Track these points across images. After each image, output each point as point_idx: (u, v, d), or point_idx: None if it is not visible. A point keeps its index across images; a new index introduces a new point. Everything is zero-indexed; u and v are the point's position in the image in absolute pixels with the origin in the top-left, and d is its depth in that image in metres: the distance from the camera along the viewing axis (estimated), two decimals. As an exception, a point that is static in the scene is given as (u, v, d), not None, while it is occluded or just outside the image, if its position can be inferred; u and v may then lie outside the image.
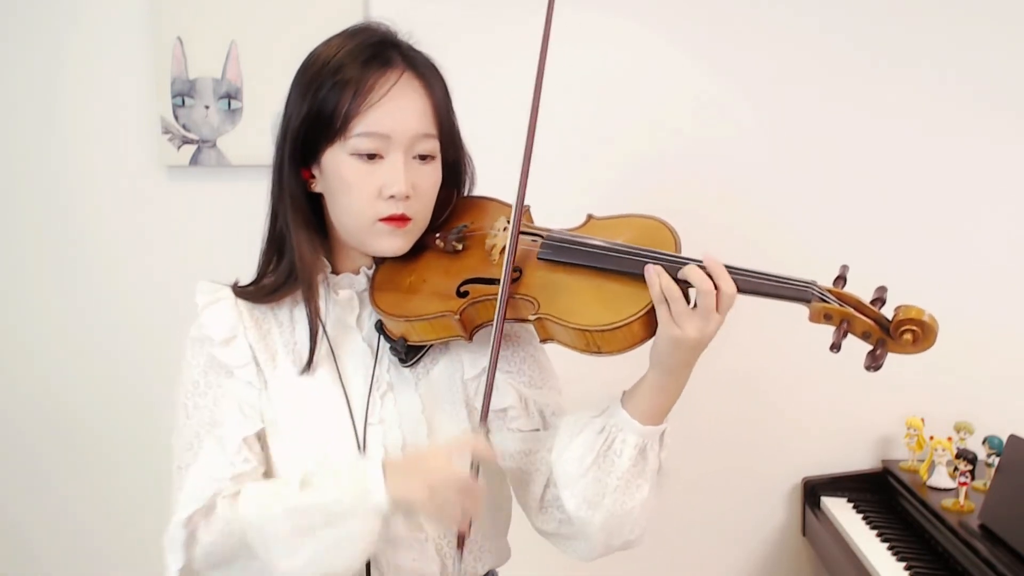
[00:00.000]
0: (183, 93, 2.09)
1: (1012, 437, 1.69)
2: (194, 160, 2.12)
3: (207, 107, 2.09)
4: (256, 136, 2.08)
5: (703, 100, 2.04)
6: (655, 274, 0.97)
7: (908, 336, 0.94)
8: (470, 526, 1.01)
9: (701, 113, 2.04)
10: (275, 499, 1.00)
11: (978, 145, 2.02)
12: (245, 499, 1.01)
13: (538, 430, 1.11)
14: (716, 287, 0.95)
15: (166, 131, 2.11)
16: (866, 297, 0.98)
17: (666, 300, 0.96)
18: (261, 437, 1.10)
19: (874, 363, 0.94)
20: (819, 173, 2.05)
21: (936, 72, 2.01)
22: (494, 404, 1.10)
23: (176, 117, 2.10)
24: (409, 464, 1.00)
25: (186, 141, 2.11)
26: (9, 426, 2.28)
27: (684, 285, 0.97)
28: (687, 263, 0.98)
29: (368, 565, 1.08)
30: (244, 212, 2.08)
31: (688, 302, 0.97)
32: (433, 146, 1.08)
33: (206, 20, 2.06)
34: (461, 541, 1.03)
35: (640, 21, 2.03)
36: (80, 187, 2.17)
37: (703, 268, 0.97)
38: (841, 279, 0.99)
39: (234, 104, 2.09)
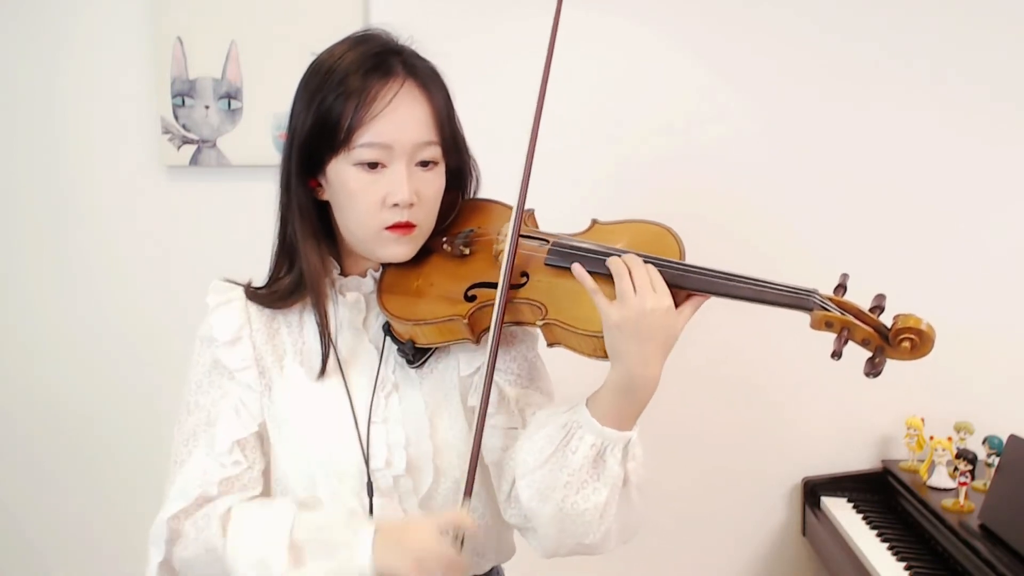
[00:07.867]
0: (183, 93, 2.09)
1: (1012, 437, 1.69)
2: (194, 160, 2.12)
3: (207, 107, 2.09)
4: (256, 136, 2.08)
5: (703, 101, 2.04)
6: (582, 268, 1.01)
7: (906, 344, 0.95)
8: None
9: (701, 114, 2.04)
10: (262, 547, 1.02)
11: (978, 146, 2.02)
12: (234, 531, 1.05)
13: (516, 428, 1.11)
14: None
15: (166, 131, 2.11)
16: (865, 303, 0.99)
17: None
18: (263, 436, 1.12)
19: (873, 370, 0.96)
20: (819, 174, 2.05)
21: (936, 72, 2.01)
22: (475, 400, 1.11)
23: (176, 117, 2.10)
24: (397, 534, 1.01)
25: (186, 141, 2.11)
26: (9, 425, 2.28)
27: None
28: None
29: None
30: (244, 212, 2.11)
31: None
32: (435, 152, 1.09)
33: (206, 20, 2.06)
34: None
35: (640, 22, 2.03)
36: (80, 187, 2.17)
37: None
38: (841, 287, 1.00)
39: (234, 104, 2.09)
